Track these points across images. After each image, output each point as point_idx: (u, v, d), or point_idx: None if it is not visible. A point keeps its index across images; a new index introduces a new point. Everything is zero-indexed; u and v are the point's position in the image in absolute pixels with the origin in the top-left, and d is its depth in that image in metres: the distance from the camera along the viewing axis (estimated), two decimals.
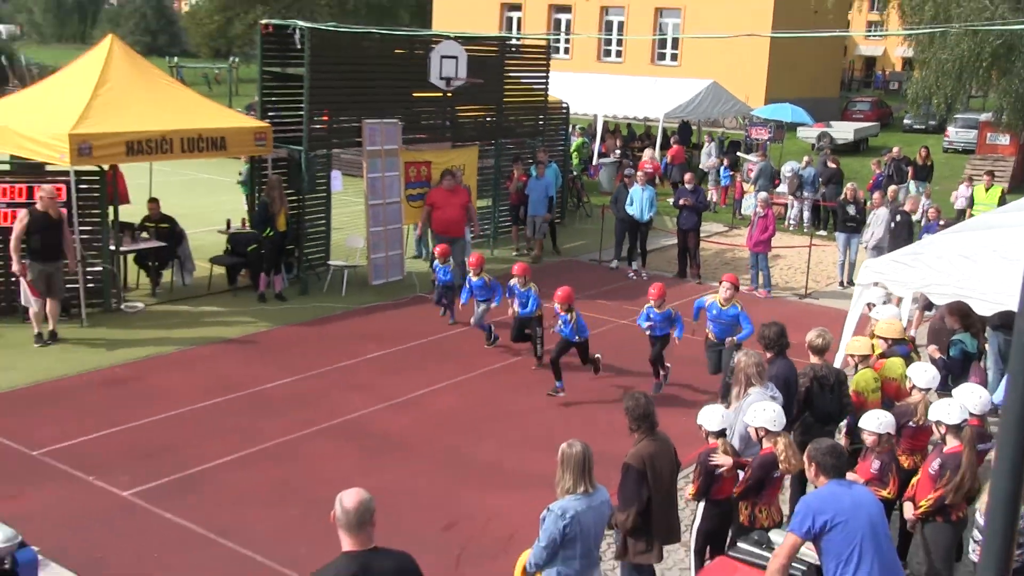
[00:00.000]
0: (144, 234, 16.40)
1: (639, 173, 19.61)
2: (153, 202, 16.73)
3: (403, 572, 5.08)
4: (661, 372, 12.78)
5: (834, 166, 24.67)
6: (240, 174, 23.20)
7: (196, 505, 9.35)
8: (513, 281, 13.48)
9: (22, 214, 13.29)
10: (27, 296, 13.63)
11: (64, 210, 13.84)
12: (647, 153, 27.83)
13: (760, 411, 7.60)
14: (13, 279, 14.06)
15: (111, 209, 15.11)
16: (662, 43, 44.63)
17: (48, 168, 14.73)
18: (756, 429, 7.60)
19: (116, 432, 10.89)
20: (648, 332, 12.65)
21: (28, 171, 15.04)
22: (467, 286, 14.25)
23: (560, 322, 12.33)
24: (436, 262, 15.22)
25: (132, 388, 12.23)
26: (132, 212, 16.90)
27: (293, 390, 12.40)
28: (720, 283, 12.31)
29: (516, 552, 7.85)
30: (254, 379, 12.65)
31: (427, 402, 12.26)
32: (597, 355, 12.88)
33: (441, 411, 11.97)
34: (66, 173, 14.36)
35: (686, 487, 8.16)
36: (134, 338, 13.98)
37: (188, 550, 8.61)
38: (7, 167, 15.56)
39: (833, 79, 49.53)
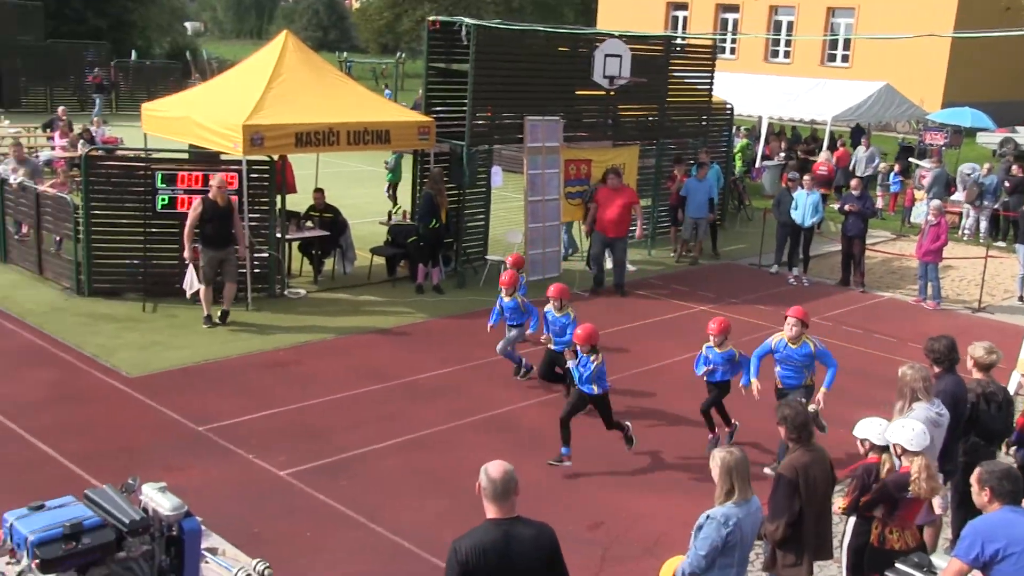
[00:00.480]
0: (309, 223, 16.91)
1: (806, 177, 19.04)
2: (319, 192, 17.21)
3: (542, 542, 5.32)
4: (727, 428, 10.91)
5: (1020, 174, 23.34)
6: (386, 162, 23.69)
7: (348, 488, 9.56)
8: (548, 307, 11.66)
9: (196, 203, 13.87)
10: (191, 280, 14.24)
11: (235, 198, 14.38)
12: (823, 155, 26.92)
13: (900, 428, 7.23)
14: (184, 263, 14.69)
15: (279, 198, 15.62)
16: (832, 44, 43.33)
17: (223, 157, 15.35)
18: (894, 445, 7.24)
19: (275, 413, 11.26)
20: (705, 378, 10.73)
21: (204, 160, 15.73)
22: (497, 307, 12.56)
23: (578, 362, 10.19)
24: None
25: (291, 371, 12.61)
26: (298, 201, 17.44)
27: (446, 381, 12.55)
28: (786, 318, 10.22)
29: (661, 556, 7.74)
30: (408, 368, 12.87)
31: None
32: (627, 423, 10.68)
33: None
34: (238, 162, 14.92)
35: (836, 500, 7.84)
36: (295, 324, 14.43)
37: (338, 531, 8.82)
38: (186, 156, 16.32)
39: (1021, 80, 47.00)
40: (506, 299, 12.34)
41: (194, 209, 13.78)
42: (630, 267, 18.47)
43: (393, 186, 23.49)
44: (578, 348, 10.17)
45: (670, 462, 10.58)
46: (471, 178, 17.24)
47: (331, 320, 14.73)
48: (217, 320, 14.05)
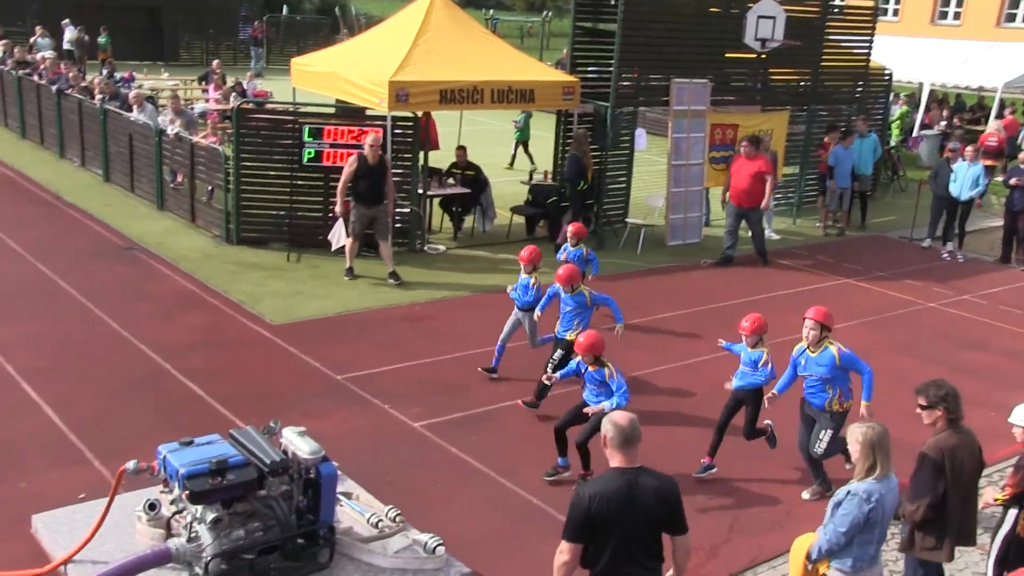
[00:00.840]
0: (450, 180, 17.05)
1: (968, 148, 18.14)
2: (461, 150, 17.33)
3: (664, 493, 5.42)
4: (764, 435, 9.61)
5: None
6: (515, 121, 23.69)
7: (479, 443, 9.66)
8: (558, 287, 10.61)
9: (352, 159, 14.10)
10: (339, 234, 14.54)
11: (388, 157, 14.56)
12: (992, 125, 25.59)
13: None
14: (330, 215, 15.02)
15: (422, 154, 15.78)
16: (1013, 3, 40.98)
17: (368, 112, 15.59)
18: (1021, 430, 6.87)
19: (412, 366, 11.44)
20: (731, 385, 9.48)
21: (350, 115, 16.00)
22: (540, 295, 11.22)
23: (586, 382, 8.99)
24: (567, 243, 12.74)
25: (428, 325, 12.79)
26: (441, 158, 17.59)
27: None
28: (804, 320, 8.78)
29: (792, 530, 7.59)
30: (542, 328, 12.86)
31: (712, 368, 12.01)
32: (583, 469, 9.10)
33: (726, 378, 11.69)
34: (383, 118, 15.13)
35: (987, 488, 7.48)
36: (433, 279, 14.61)
37: (469, 485, 8.92)
38: (332, 110, 16.64)
39: None
40: (523, 275, 11.28)
41: (349, 165, 14.02)
42: (773, 235, 18.06)
43: (522, 144, 23.62)
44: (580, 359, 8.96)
45: None
46: (614, 140, 17.08)
47: (468, 277, 14.86)
48: (390, 280, 14.25)
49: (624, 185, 17.80)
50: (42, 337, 11.61)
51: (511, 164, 23.29)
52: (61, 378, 10.53)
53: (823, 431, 8.73)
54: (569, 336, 10.28)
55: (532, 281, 11.22)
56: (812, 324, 8.61)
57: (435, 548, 7.40)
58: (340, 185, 14.11)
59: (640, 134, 17.57)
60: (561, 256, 12.62)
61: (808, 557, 6.09)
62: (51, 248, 15.09)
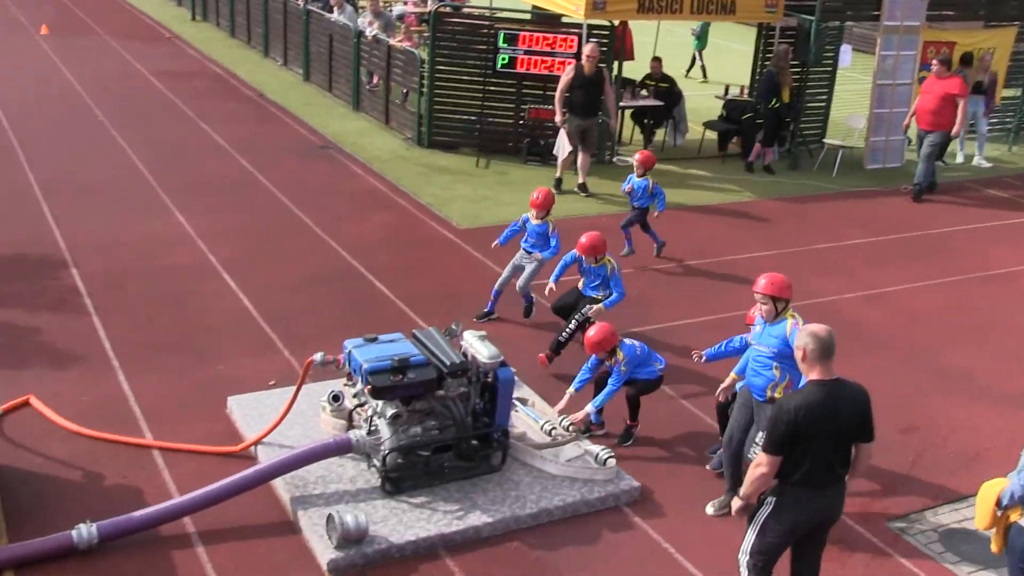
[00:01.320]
0: (644, 92, 16.73)
1: None
2: (656, 61, 16.95)
3: (860, 401, 5.57)
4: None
5: None
6: (693, 30, 22.93)
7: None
8: (577, 254, 9.37)
9: (568, 69, 13.93)
10: (563, 144, 14.33)
11: (606, 69, 14.31)
12: None
13: None
14: (521, 120, 15.00)
15: (616, 64, 15.51)
16: None
17: (564, 20, 15.39)
18: None
19: None
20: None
21: (546, 22, 15.85)
22: (517, 225, 10.29)
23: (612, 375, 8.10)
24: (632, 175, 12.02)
25: (612, 238, 12.65)
26: (635, 69, 17.26)
27: (764, 264, 12.15)
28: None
29: (979, 473, 7.27)
30: (729, 247, 12.62)
31: (903, 298, 11.52)
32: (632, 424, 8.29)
33: (917, 310, 11.20)
34: (579, 26, 14.90)
35: None
36: (619, 191, 14.42)
37: (647, 401, 8.85)
38: (528, 17, 16.51)
39: None
40: (535, 222, 10.07)
41: (565, 75, 13.90)
42: (984, 163, 17.03)
43: (699, 53, 23.01)
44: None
45: (1003, 376, 9.79)
46: (817, 56, 16.31)
47: (676, 192, 14.59)
48: (578, 191, 14.21)
49: (824, 104, 17.06)
50: (241, 229, 12.15)
51: (688, 71, 22.72)
52: (257, 269, 11.02)
53: (761, 431, 6.82)
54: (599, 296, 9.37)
55: (550, 228, 10.06)
56: (761, 297, 6.91)
57: (606, 460, 7.46)
58: (557, 95, 13.99)
59: (846, 50, 16.73)
60: (626, 187, 12.02)
61: (998, 503, 5.77)
62: (253, 144, 15.71)
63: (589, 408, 7.96)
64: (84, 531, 6.37)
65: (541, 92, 15.49)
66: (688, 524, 7.19)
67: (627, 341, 8.11)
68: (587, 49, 13.73)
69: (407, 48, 16.69)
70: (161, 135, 15.91)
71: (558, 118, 14.08)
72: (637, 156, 12.01)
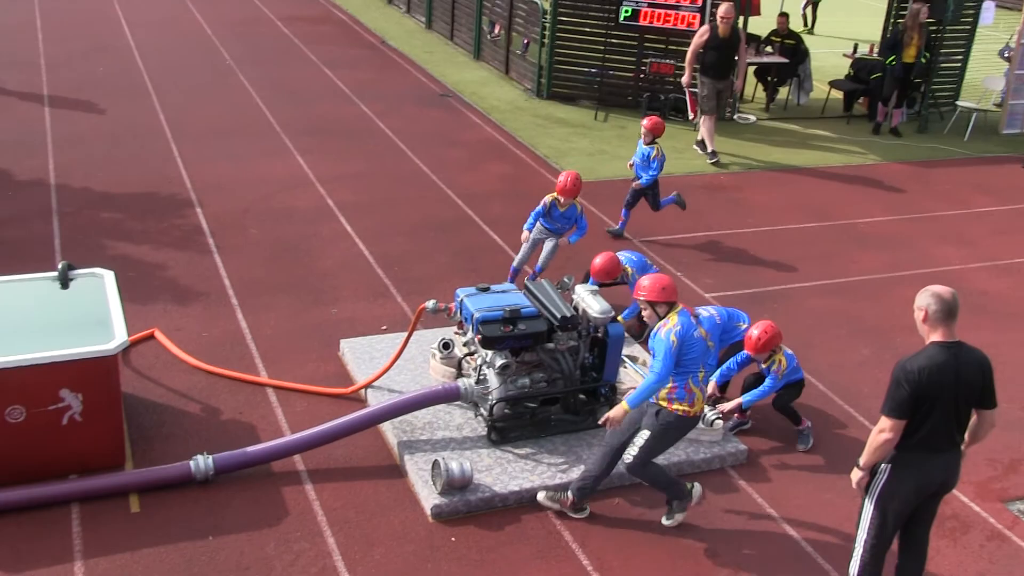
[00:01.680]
0: (768, 48, 16.32)
1: None
2: (783, 16, 16.50)
3: (983, 365, 5.38)
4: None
5: None
6: None
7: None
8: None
9: (703, 30, 13.58)
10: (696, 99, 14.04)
11: (742, 29, 13.96)
12: None
13: None
14: (642, 74, 14.77)
15: (741, 19, 15.12)
16: None
17: None
18: None
19: (709, 236, 11.26)
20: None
21: None
22: (543, 209, 9.34)
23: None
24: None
25: (730, 196, 12.49)
26: (760, 25, 16.83)
27: (887, 229, 11.85)
28: None
29: None
30: (850, 210, 12.29)
31: None
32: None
33: None
34: None
35: None
36: (740, 149, 14.18)
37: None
38: None
39: None
40: (562, 208, 9.29)
41: (700, 35, 13.59)
42: None
43: (812, 4, 22.30)
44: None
45: None
46: (955, 13, 15.64)
47: (777, 150, 14.31)
48: (696, 147, 13.93)
49: (959, 64, 16.39)
50: (359, 174, 12.31)
51: (811, 28, 22.08)
52: (373, 214, 11.17)
53: (640, 432, 6.32)
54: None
55: (579, 209, 9.46)
56: (642, 302, 6.37)
57: (713, 422, 7.38)
58: (689, 55, 13.67)
59: (988, 7, 16.00)
60: (637, 160, 10.98)
61: None
62: (373, 90, 15.86)
63: (742, 400, 7.51)
64: (201, 462, 6.59)
65: (663, 46, 15.25)
66: (794, 490, 7.09)
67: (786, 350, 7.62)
68: (722, 10, 13.28)
69: None
70: (286, 79, 16.19)
71: (685, 79, 13.73)
72: (644, 121, 10.90)
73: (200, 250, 10.08)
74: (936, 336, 5.33)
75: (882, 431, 5.30)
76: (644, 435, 6.25)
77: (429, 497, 6.54)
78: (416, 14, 21.16)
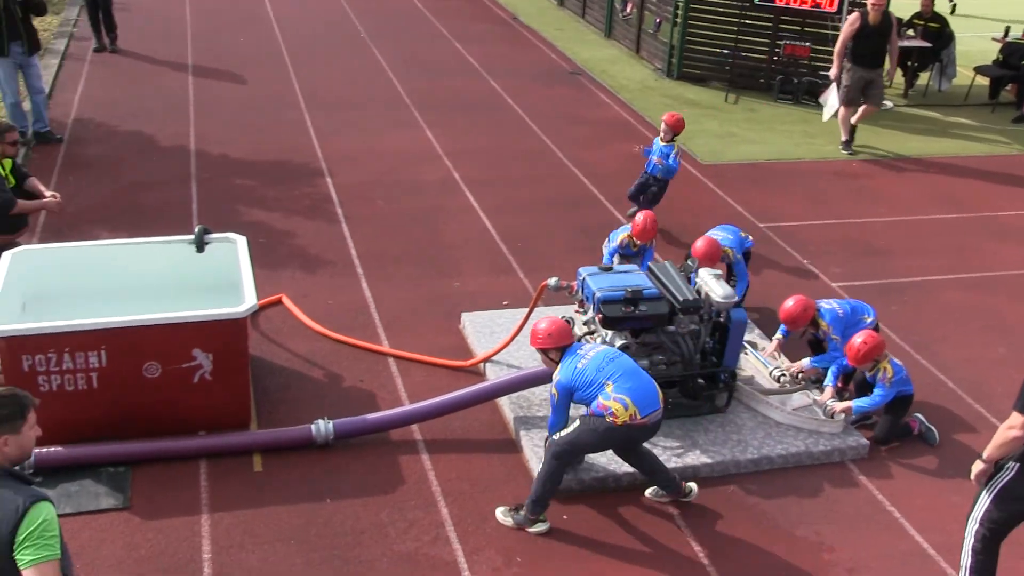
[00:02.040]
0: (910, 31, 15.76)
1: None
2: None
3: None
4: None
5: None
6: None
7: (898, 314, 9.15)
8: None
9: (853, 17, 12.89)
10: (831, 98, 13.25)
11: (894, 15, 13.38)
12: None
13: None
14: (775, 56, 14.43)
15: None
16: None
17: None
18: None
19: (837, 224, 10.98)
20: None
21: None
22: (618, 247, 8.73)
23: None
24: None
25: (862, 184, 12.14)
26: (903, 7, 16.27)
27: None
28: None
29: None
30: (990, 202, 11.82)
31: None
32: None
33: None
34: None
35: None
36: (876, 137, 13.73)
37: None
38: None
39: None
40: (635, 248, 8.65)
41: (850, 24, 12.85)
42: None
43: None
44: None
45: None
46: None
47: (915, 138, 13.84)
48: (842, 148, 13.23)
49: None
50: (486, 149, 12.39)
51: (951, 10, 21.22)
52: (498, 189, 11.23)
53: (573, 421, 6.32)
54: None
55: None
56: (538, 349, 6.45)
57: (834, 413, 7.22)
58: (838, 45, 12.97)
59: None
60: (653, 156, 10.35)
61: None
62: (503, 66, 15.90)
63: (853, 405, 7.20)
64: (322, 427, 6.76)
65: (799, 28, 14.88)
66: (917, 489, 6.89)
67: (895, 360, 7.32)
68: None
69: None
70: (417, 53, 16.36)
71: (834, 71, 12.99)
72: (665, 116, 10.32)
73: (329, 219, 10.30)
74: None
75: (1012, 427, 5.09)
76: (571, 434, 6.13)
77: None
78: None
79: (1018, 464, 5.21)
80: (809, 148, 13.15)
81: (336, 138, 12.44)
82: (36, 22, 12.05)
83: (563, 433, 6.11)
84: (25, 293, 7.17)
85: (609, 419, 5.95)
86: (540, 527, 6.21)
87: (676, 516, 6.44)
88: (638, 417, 5.98)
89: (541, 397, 7.30)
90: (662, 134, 10.29)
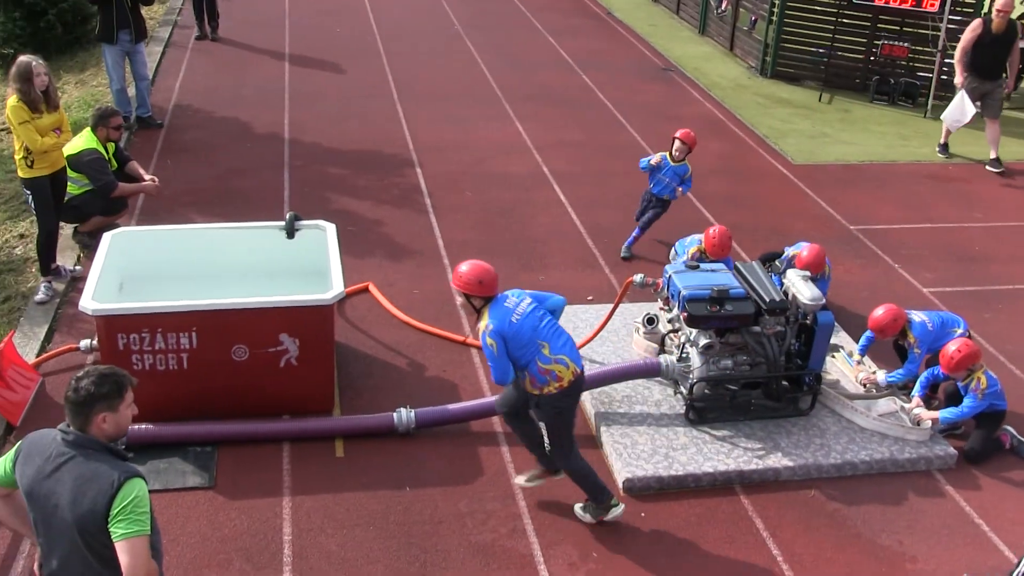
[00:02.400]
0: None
1: None
2: None
3: None
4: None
5: None
6: None
7: (992, 322, 8.90)
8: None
9: (975, 24, 12.40)
10: (961, 108, 12.39)
11: (1021, 23, 12.87)
12: None
13: None
14: (872, 56, 14.09)
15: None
16: None
17: None
18: None
19: (932, 228, 10.73)
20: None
21: None
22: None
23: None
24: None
25: (959, 188, 11.84)
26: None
27: None
28: None
29: None
30: None
31: None
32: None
33: None
34: None
35: None
36: (973, 139, 13.35)
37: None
38: None
39: None
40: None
41: (971, 30, 12.33)
42: None
43: None
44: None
45: None
46: None
47: (1016, 142, 13.42)
48: (989, 167, 12.44)
49: None
50: (576, 143, 12.37)
51: None
52: (586, 184, 11.21)
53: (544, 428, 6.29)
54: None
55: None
56: (456, 291, 6.52)
57: (920, 421, 7.07)
58: (958, 53, 12.45)
59: None
60: (664, 177, 9.59)
61: None
62: (596, 60, 15.86)
63: (940, 415, 7.05)
64: (404, 415, 6.84)
65: (898, 28, 14.56)
66: (1007, 503, 6.71)
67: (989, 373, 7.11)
68: (1000, 2, 12.04)
69: None
70: (510, 46, 16.41)
71: (958, 80, 12.41)
72: (679, 133, 9.58)
73: (417, 209, 10.40)
74: None
75: None
76: (546, 429, 6.12)
77: (623, 470, 6.57)
78: None
79: None
80: (904, 150, 12.87)
81: (427, 128, 12.54)
82: (143, 11, 12.38)
83: (551, 442, 6.08)
84: (123, 273, 7.39)
85: (555, 387, 5.85)
86: (615, 511, 6.18)
87: (756, 518, 6.38)
88: (577, 370, 5.92)
89: (622, 394, 7.28)
90: (675, 152, 9.52)
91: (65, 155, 8.56)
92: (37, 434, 4.07)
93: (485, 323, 5.83)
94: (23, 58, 7.98)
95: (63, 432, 3.94)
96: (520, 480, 6.46)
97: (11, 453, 4.08)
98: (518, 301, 5.96)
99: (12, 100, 7.89)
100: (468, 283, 5.92)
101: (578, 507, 6.31)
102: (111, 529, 3.80)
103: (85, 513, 3.81)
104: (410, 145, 12.03)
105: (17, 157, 8.11)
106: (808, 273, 7.40)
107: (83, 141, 9.06)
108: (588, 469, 6.17)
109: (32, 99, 7.86)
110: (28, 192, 8.30)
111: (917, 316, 7.46)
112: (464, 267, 5.98)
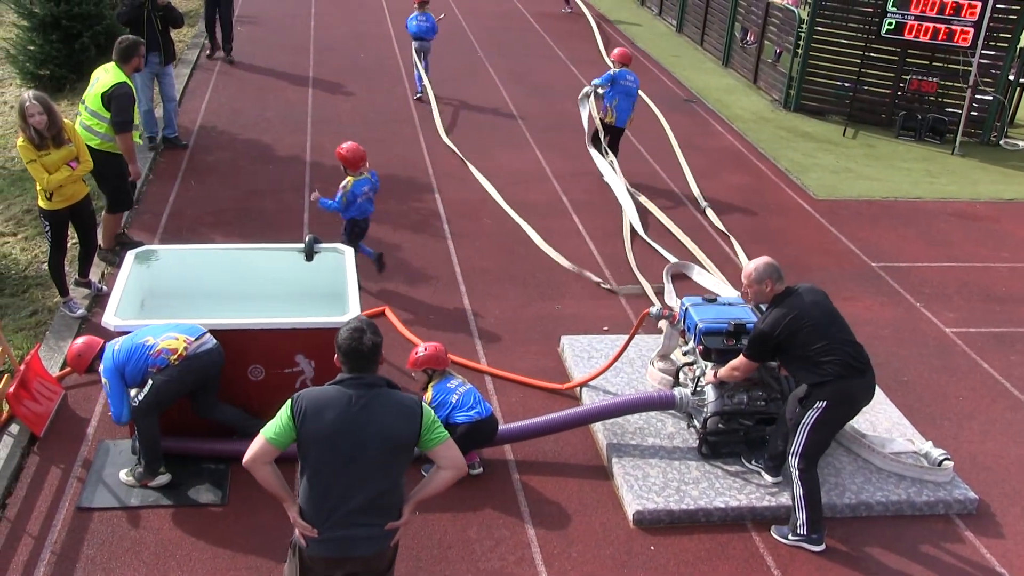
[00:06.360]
0: None
1: None
2: None
3: None
4: None
5: None
6: None
7: (1018, 364, 8.81)
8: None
9: None
10: None
11: None
12: None
13: None
14: (899, 91, 14.01)
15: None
16: None
17: None
18: None
19: (956, 267, 10.64)
20: None
21: None
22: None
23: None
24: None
25: (985, 227, 11.74)
26: None
27: None
28: None
29: None
30: None
31: None
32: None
33: None
34: None
35: None
36: (1003, 177, 13.32)
37: (996, 405, 8.16)
38: None
39: None
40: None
41: None
42: None
43: None
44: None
45: None
46: None
47: None
48: None
49: None
50: (594, 173, 12.34)
51: None
52: (605, 213, 11.19)
53: None
54: None
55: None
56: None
57: (941, 462, 6.97)
58: None
59: None
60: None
61: None
62: None
63: None
64: None
65: (927, 63, 14.52)
66: None
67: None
68: None
69: (787, 6, 16.16)
70: (532, 73, 16.46)
71: None
72: (616, 51, 11.73)
73: (435, 235, 10.40)
74: None
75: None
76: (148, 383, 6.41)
77: (633, 503, 6.50)
78: (667, 17, 21.06)
79: None
80: (930, 187, 12.79)
81: (446, 154, 12.57)
82: (173, 34, 12.49)
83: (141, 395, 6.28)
84: (144, 291, 7.41)
85: (174, 359, 6.19)
86: (161, 479, 6.48)
87: (767, 555, 6.29)
88: (191, 343, 6.25)
89: (635, 426, 7.22)
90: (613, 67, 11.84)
91: (97, 93, 8.86)
92: (313, 391, 4.50)
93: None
94: (21, 96, 7.99)
95: (354, 377, 4.46)
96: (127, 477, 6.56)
97: (286, 419, 4.49)
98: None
99: (20, 140, 7.94)
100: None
101: (123, 472, 6.55)
102: (426, 439, 4.50)
103: (402, 434, 4.46)
104: (430, 170, 12.05)
105: (38, 188, 8.14)
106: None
107: (112, 76, 9.06)
108: (158, 437, 6.39)
109: (30, 138, 7.88)
110: (46, 223, 8.34)
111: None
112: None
